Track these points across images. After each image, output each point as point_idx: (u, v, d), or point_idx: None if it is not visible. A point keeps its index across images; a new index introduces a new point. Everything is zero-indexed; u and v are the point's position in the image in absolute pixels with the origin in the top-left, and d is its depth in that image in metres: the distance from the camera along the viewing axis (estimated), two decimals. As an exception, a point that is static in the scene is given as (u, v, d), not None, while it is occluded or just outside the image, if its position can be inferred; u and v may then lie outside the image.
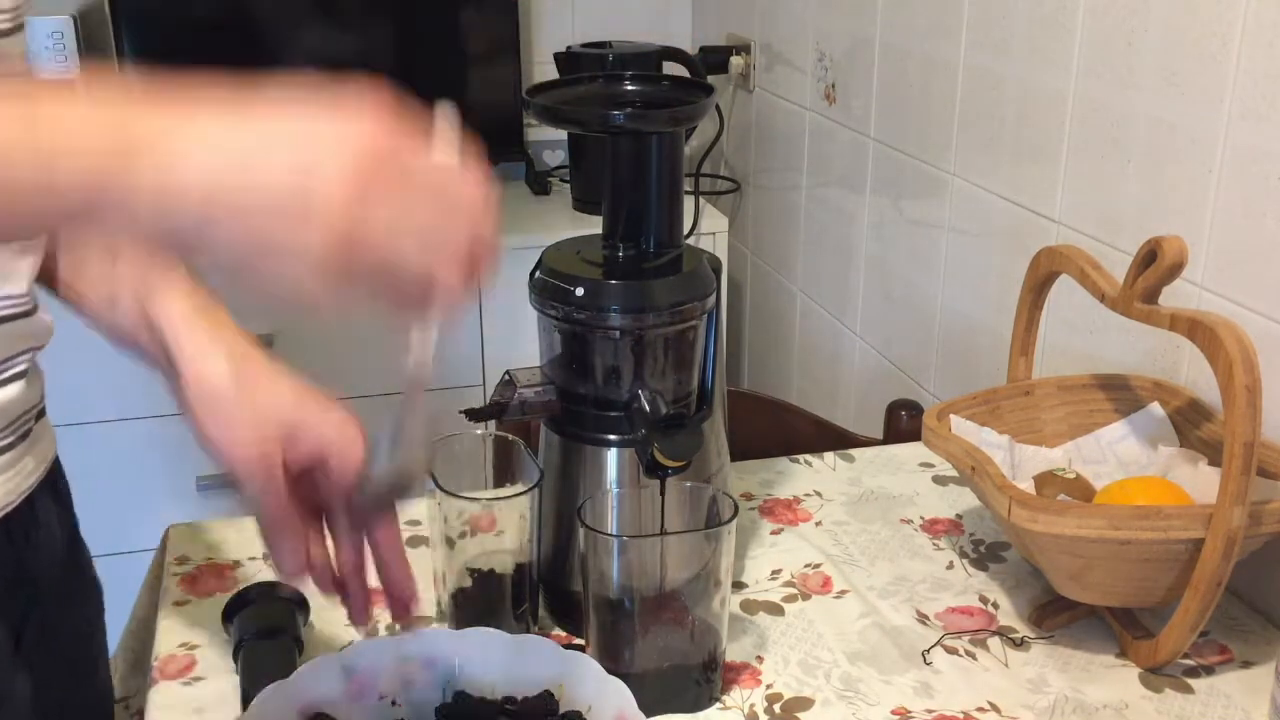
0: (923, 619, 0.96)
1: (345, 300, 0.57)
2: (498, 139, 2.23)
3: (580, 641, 0.89)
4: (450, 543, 0.89)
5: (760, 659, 0.91)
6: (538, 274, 0.91)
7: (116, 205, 0.53)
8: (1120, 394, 1.05)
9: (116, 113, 0.53)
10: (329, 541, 0.75)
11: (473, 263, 0.60)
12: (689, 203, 1.92)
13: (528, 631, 0.90)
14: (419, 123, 0.58)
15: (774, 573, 1.02)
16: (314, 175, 0.54)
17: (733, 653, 0.90)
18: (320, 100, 0.56)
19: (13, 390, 0.81)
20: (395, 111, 0.57)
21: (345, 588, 0.76)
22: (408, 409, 0.67)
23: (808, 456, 1.23)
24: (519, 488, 0.90)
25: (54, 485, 0.89)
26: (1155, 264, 0.87)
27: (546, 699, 0.77)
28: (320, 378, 0.74)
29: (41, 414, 0.88)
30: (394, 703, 0.78)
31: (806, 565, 1.03)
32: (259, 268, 0.55)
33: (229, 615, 0.91)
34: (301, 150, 0.54)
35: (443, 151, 0.59)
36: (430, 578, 0.94)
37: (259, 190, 0.54)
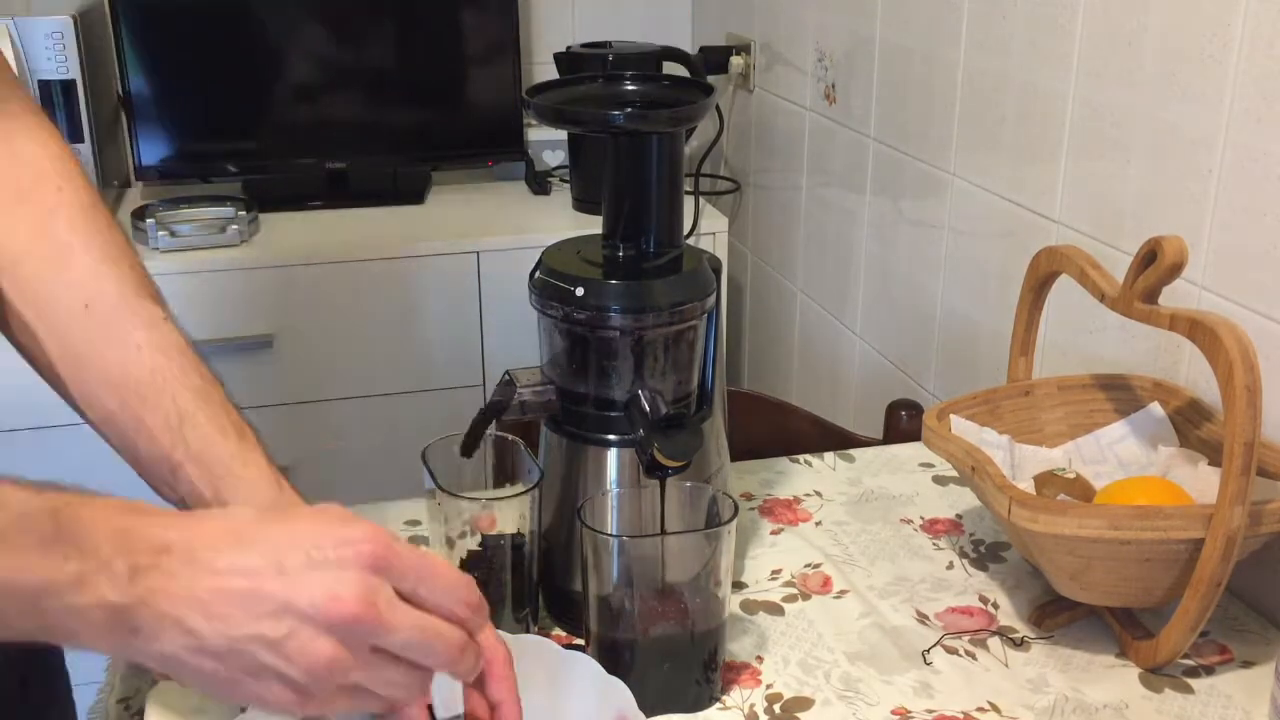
0: (923, 619, 0.96)
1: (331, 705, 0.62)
2: (498, 139, 2.23)
3: (580, 641, 0.89)
4: (450, 543, 0.89)
5: (760, 659, 0.91)
6: (538, 274, 0.91)
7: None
8: (1120, 394, 1.05)
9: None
10: None
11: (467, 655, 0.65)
12: (689, 203, 1.92)
13: (528, 631, 0.90)
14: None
15: (774, 573, 1.02)
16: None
17: (733, 653, 0.90)
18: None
19: None
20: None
21: None
22: None
23: (808, 456, 1.23)
24: (519, 488, 0.90)
25: None
26: (1155, 264, 0.87)
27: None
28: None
29: None
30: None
31: (806, 565, 1.03)
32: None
33: (229, 615, 0.91)
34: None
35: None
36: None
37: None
